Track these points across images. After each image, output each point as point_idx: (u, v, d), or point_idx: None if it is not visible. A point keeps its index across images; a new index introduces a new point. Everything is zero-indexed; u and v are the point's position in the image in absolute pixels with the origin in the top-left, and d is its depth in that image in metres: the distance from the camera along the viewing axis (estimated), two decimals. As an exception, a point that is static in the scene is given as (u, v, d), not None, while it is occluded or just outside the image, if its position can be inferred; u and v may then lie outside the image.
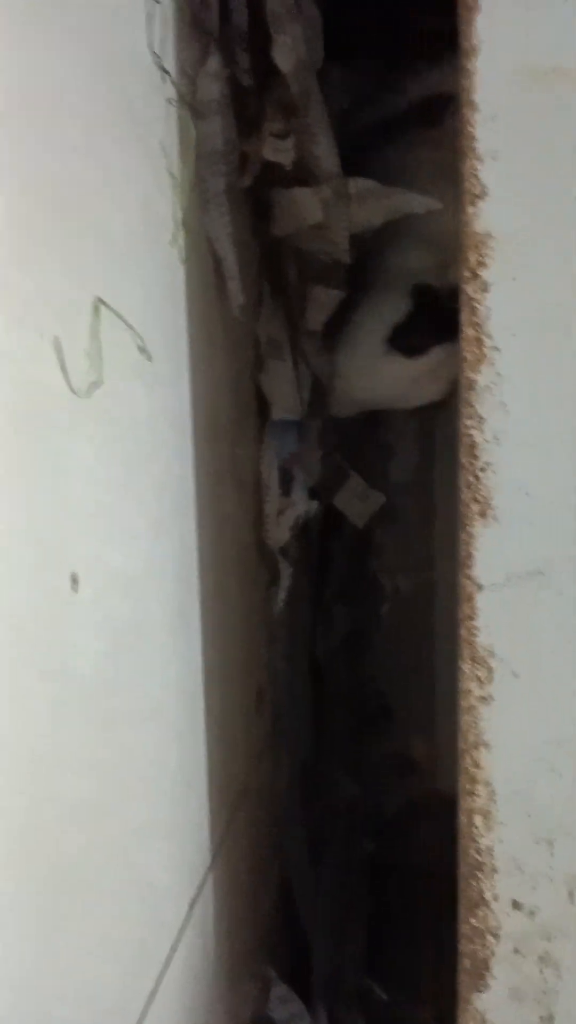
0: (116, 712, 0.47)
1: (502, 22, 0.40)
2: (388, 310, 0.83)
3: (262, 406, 0.81)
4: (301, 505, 0.80)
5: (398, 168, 0.80)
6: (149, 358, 0.47)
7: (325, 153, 0.74)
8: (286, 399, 0.83)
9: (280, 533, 0.79)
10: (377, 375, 0.85)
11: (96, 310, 0.41)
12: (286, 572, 0.78)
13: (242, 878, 0.78)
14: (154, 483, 0.53)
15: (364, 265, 0.84)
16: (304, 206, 0.74)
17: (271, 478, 0.80)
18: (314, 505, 0.83)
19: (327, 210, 0.75)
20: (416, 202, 0.75)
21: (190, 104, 0.57)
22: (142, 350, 0.47)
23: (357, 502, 1.02)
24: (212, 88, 0.62)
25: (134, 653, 0.49)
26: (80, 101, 0.42)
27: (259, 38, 0.69)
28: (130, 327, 0.44)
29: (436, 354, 0.82)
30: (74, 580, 0.39)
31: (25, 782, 0.36)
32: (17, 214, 0.36)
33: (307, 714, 1.09)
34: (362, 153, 0.81)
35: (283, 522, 0.79)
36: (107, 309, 0.42)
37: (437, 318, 0.81)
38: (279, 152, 0.71)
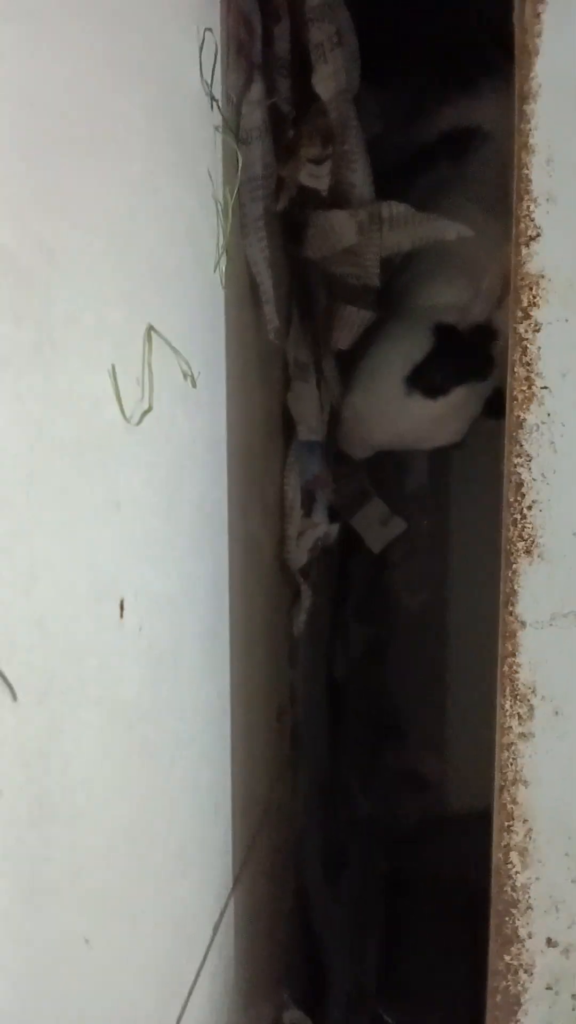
0: (154, 737, 0.47)
1: (563, 66, 0.40)
2: (409, 347, 0.83)
3: (287, 427, 0.81)
4: (322, 527, 0.81)
5: (428, 199, 0.80)
6: (193, 384, 0.48)
7: (360, 180, 0.75)
8: (311, 420, 0.83)
9: (300, 554, 0.79)
10: (397, 415, 0.85)
11: (148, 337, 0.42)
12: (306, 594, 0.78)
13: (261, 899, 0.78)
14: (193, 507, 0.53)
15: (387, 297, 0.84)
16: (340, 228, 0.74)
17: (294, 499, 0.80)
18: (335, 528, 0.83)
19: (362, 233, 0.75)
20: (448, 229, 0.76)
21: (234, 131, 0.57)
22: (187, 375, 0.47)
23: (377, 526, 1.02)
24: (255, 115, 0.62)
25: (171, 678, 0.49)
26: (141, 136, 0.43)
27: (299, 66, 0.70)
28: (177, 353, 0.45)
29: (458, 395, 0.82)
30: (121, 607, 0.39)
31: (77, 811, 0.36)
32: (82, 250, 0.36)
33: (325, 732, 1.09)
34: (393, 180, 0.82)
35: (303, 543, 0.80)
36: (157, 336, 0.42)
37: (458, 358, 0.81)
38: (315, 178, 0.72)
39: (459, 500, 1.39)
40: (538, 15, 0.40)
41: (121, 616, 0.39)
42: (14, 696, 0.31)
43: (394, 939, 1.25)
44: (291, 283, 0.82)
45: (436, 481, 1.36)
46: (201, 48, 0.49)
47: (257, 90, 0.62)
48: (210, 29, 0.49)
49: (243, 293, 0.64)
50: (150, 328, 0.41)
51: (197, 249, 0.52)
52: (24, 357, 0.32)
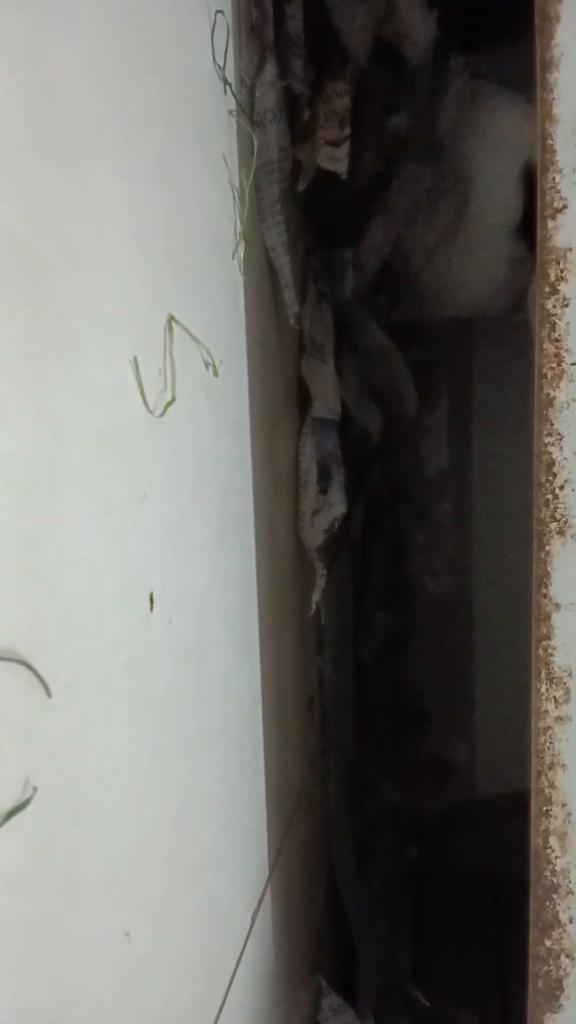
0: (185, 729, 0.46)
1: (586, 32, 0.39)
2: (504, 203, 0.84)
3: (303, 401, 0.80)
4: (338, 507, 0.79)
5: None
6: (215, 372, 0.47)
7: None
8: (328, 399, 0.82)
9: (315, 534, 0.78)
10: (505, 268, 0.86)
11: (169, 328, 0.41)
12: (321, 574, 0.77)
13: (296, 888, 0.78)
14: (217, 496, 0.52)
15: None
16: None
17: (310, 470, 0.79)
18: (344, 508, 0.81)
19: None
20: None
21: (248, 114, 0.57)
22: (208, 364, 0.47)
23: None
24: (269, 97, 0.61)
25: (201, 670, 0.49)
26: (156, 122, 0.42)
27: (313, 45, 0.68)
28: (198, 342, 0.44)
29: None
30: (151, 600, 0.39)
31: (111, 806, 0.36)
32: (100, 239, 0.36)
33: (352, 721, 1.08)
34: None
35: (318, 522, 0.78)
36: (179, 326, 0.42)
37: None
38: (334, 160, 0.70)
39: (481, 482, 1.37)
40: (560, -21, 0.39)
41: (151, 609, 0.39)
42: (48, 693, 0.31)
43: (422, 926, 1.25)
44: (307, 262, 0.81)
45: (457, 464, 1.35)
46: (213, 31, 0.48)
47: (270, 71, 0.61)
48: (221, 11, 0.48)
49: (262, 278, 0.63)
50: (171, 318, 0.41)
51: (215, 235, 0.51)
52: (44, 350, 0.32)
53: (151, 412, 0.38)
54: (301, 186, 0.71)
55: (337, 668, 0.94)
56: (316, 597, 0.76)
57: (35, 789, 0.30)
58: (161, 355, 0.40)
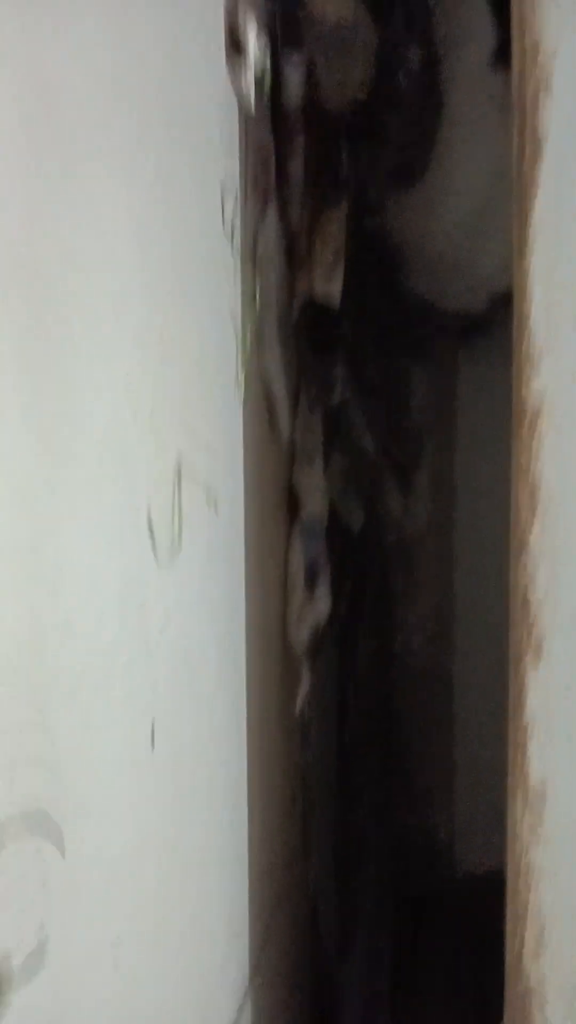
0: (177, 856, 0.48)
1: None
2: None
3: (292, 507, 0.84)
4: (323, 604, 0.83)
5: None
6: (216, 511, 0.51)
7: None
8: (315, 503, 0.87)
9: (301, 633, 0.81)
10: None
11: (178, 474, 0.45)
12: (306, 676, 0.80)
13: (278, 990, 0.78)
14: (219, 623, 0.55)
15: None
16: None
17: (297, 575, 0.83)
18: (329, 606, 0.84)
19: None
20: None
21: (251, 259, 0.62)
22: (210, 502, 0.51)
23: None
24: (270, 238, 0.67)
25: (196, 797, 0.51)
26: (171, 286, 0.47)
27: (311, 184, 0.75)
28: (207, 490, 0.48)
29: None
30: (152, 736, 0.42)
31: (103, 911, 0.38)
32: (127, 397, 0.40)
33: (336, 802, 1.10)
34: None
35: (304, 622, 0.82)
36: (188, 472, 0.46)
37: None
38: (328, 283, 0.76)
39: (464, 537, 1.40)
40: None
41: (153, 748, 0.42)
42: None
43: (406, 1007, 1.25)
44: (299, 369, 0.86)
45: (438, 528, 1.38)
46: (223, 197, 0.54)
47: (272, 217, 0.66)
48: (229, 178, 0.54)
49: (260, 406, 0.67)
50: (179, 462, 0.45)
51: (219, 376, 0.56)
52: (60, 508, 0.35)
53: (158, 565, 0.42)
54: (295, 314, 0.76)
55: (321, 757, 0.96)
56: (301, 699, 0.79)
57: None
58: (170, 503, 0.44)
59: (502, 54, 0.87)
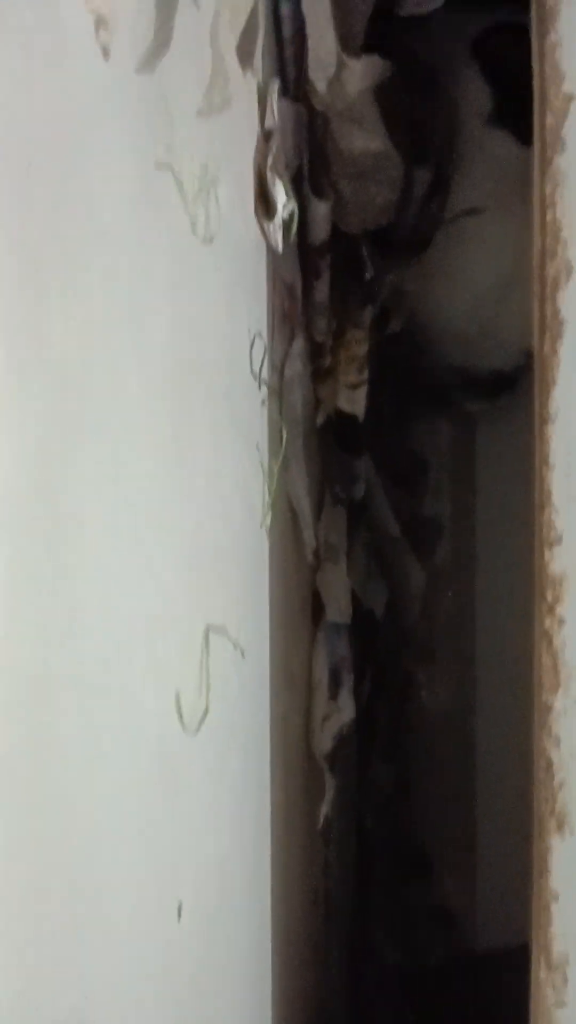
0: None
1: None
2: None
3: (316, 607, 0.85)
4: (347, 712, 0.83)
5: None
6: (243, 654, 0.52)
7: None
8: (340, 601, 0.87)
9: (325, 740, 0.81)
10: None
11: (206, 640, 0.46)
12: (330, 783, 0.80)
13: None
14: (242, 750, 0.56)
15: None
16: None
17: (321, 680, 0.83)
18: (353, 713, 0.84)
19: None
20: None
21: (278, 391, 0.63)
22: (236, 646, 0.51)
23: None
24: (296, 364, 0.68)
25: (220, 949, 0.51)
26: (209, 426, 0.48)
27: (337, 302, 0.76)
28: (237, 647, 0.49)
29: None
30: (180, 909, 0.42)
31: None
32: (157, 552, 0.41)
33: (354, 889, 1.09)
34: None
35: (328, 728, 0.82)
36: (215, 630, 0.47)
37: None
38: (352, 403, 0.77)
39: (486, 618, 1.40)
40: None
41: (180, 918, 0.42)
42: None
43: None
44: (323, 469, 0.87)
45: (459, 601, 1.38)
46: (252, 346, 0.55)
47: (299, 344, 0.68)
48: (260, 334, 0.56)
49: (284, 523, 0.68)
50: (207, 632, 0.46)
51: (247, 513, 0.57)
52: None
53: (185, 731, 0.43)
54: (320, 419, 0.78)
55: (341, 857, 0.96)
56: (326, 809, 0.79)
57: None
58: (198, 667, 0.45)
59: (498, 113, 0.89)
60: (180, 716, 0.42)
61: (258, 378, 0.57)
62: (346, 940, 1.03)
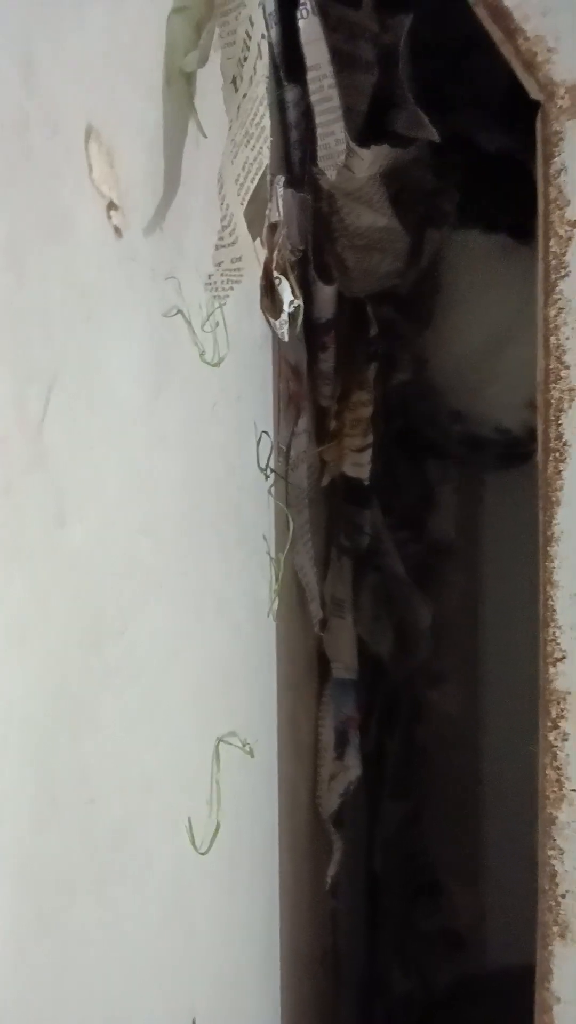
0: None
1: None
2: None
3: (323, 665, 0.86)
4: (354, 771, 0.84)
5: None
6: (252, 754, 0.53)
7: None
8: (346, 658, 0.88)
9: (331, 800, 0.82)
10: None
11: (217, 752, 0.47)
12: (337, 844, 0.81)
13: None
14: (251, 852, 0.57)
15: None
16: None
17: (328, 740, 0.84)
18: (360, 771, 0.85)
19: None
20: None
21: (284, 475, 0.64)
22: (245, 745, 0.52)
23: None
24: (301, 441, 0.69)
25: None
26: (215, 517, 0.49)
27: (342, 368, 0.77)
28: (243, 744, 0.50)
29: None
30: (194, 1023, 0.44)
31: None
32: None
33: (364, 929, 1.11)
34: None
35: (334, 788, 0.82)
36: (225, 742, 0.48)
37: None
38: (358, 467, 0.78)
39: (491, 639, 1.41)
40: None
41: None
42: None
43: None
44: (328, 524, 0.88)
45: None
46: (259, 442, 0.56)
47: (304, 422, 0.68)
48: (266, 432, 0.56)
49: (289, 596, 0.69)
50: (219, 743, 0.47)
51: (254, 602, 0.58)
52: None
53: (197, 849, 0.44)
54: (324, 482, 0.78)
55: (350, 908, 0.97)
56: (332, 870, 0.80)
57: None
58: (206, 790, 0.46)
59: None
60: (192, 841, 0.43)
61: (265, 470, 0.57)
62: (357, 987, 1.05)
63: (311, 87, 0.60)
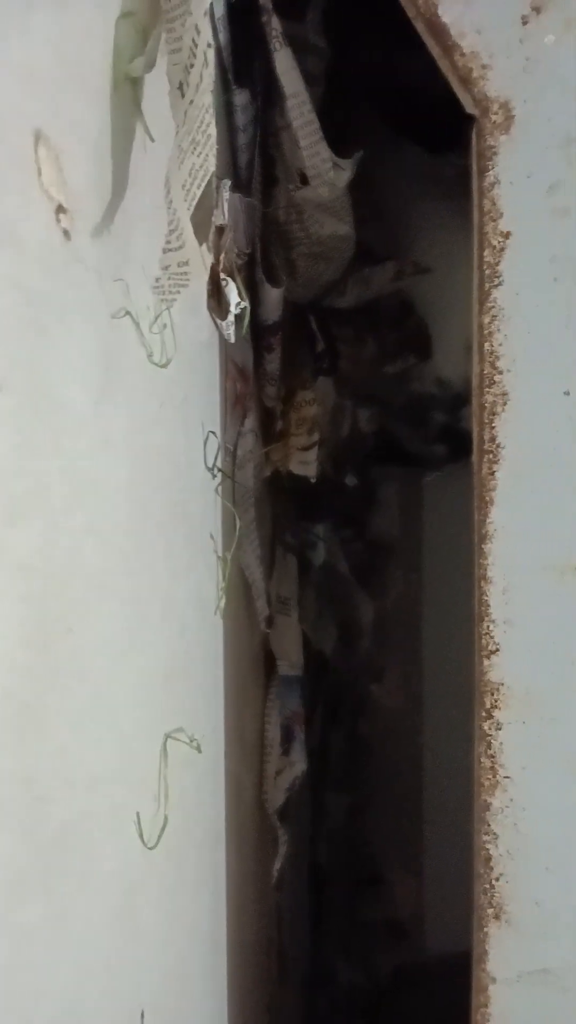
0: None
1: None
2: None
3: (269, 662, 0.87)
4: (299, 766, 0.85)
5: None
6: (199, 749, 0.54)
7: None
8: (292, 655, 0.89)
9: (277, 795, 0.83)
10: None
11: (164, 748, 0.47)
12: (283, 839, 0.83)
13: None
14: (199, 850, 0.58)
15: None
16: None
17: (274, 737, 0.86)
18: (305, 766, 0.86)
19: None
20: None
21: (231, 473, 0.65)
22: (192, 741, 0.53)
23: None
24: (248, 440, 0.70)
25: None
26: (161, 517, 0.50)
27: (287, 367, 0.78)
28: (191, 739, 0.51)
29: None
30: (142, 1016, 0.44)
31: None
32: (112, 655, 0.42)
33: (308, 923, 1.12)
34: None
35: (280, 783, 0.84)
36: (172, 736, 0.48)
37: None
38: (305, 464, 0.79)
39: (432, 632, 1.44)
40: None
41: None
42: None
43: None
44: (273, 521, 0.89)
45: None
46: (205, 443, 0.56)
47: (250, 422, 0.69)
48: (213, 431, 0.57)
49: (238, 602, 0.70)
50: (167, 737, 0.47)
51: (201, 602, 0.58)
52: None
53: (145, 844, 0.45)
54: (266, 473, 0.79)
55: (293, 900, 0.98)
56: (278, 865, 0.82)
57: None
58: (155, 787, 0.46)
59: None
60: (141, 836, 0.43)
61: (212, 470, 0.58)
62: (302, 978, 1.07)
63: (292, 114, 0.62)
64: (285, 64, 0.60)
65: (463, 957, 0.73)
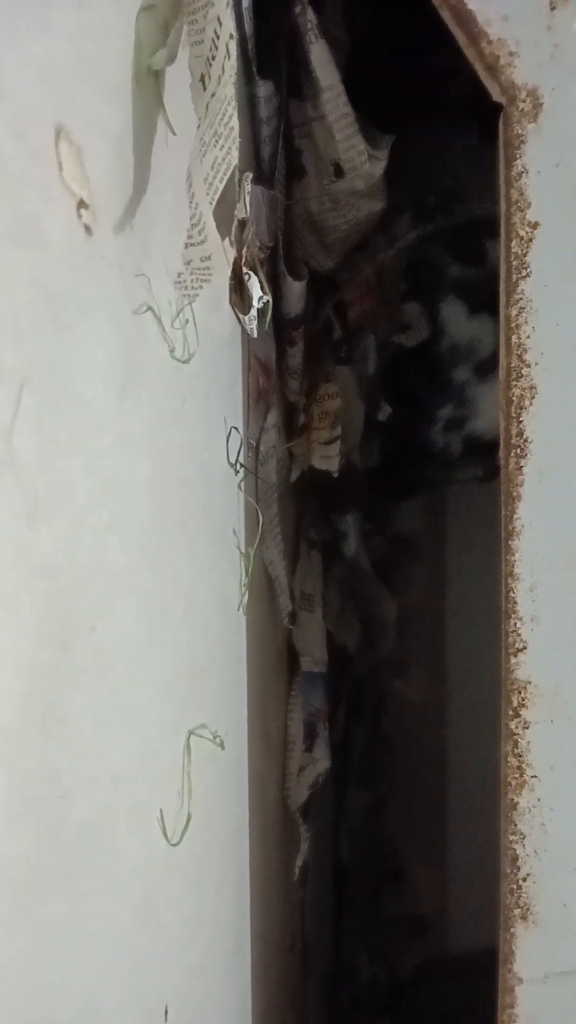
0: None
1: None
2: None
3: (292, 658, 0.87)
4: (323, 763, 0.85)
5: None
6: (222, 745, 0.53)
7: None
8: (315, 651, 0.89)
9: (300, 792, 0.83)
10: None
11: (188, 744, 0.47)
12: (304, 836, 0.82)
13: None
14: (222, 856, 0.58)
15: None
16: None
17: (297, 734, 0.85)
18: (328, 763, 0.86)
19: None
20: None
21: (254, 471, 0.64)
22: (215, 737, 0.53)
23: None
24: (271, 436, 0.69)
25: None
26: (183, 513, 0.50)
27: (310, 360, 0.77)
28: (214, 736, 0.50)
29: None
30: (166, 1012, 0.44)
31: None
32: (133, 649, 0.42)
33: (331, 921, 1.12)
34: None
35: (303, 780, 0.84)
36: (196, 734, 0.48)
37: None
38: (327, 459, 0.78)
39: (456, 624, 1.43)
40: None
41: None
42: None
43: None
44: (296, 517, 0.89)
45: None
46: (228, 437, 0.56)
47: (273, 416, 0.69)
48: (236, 427, 0.57)
49: (261, 598, 0.70)
50: (191, 734, 0.47)
51: (224, 597, 0.58)
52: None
53: (169, 840, 0.44)
54: (293, 476, 0.79)
55: (317, 896, 0.98)
56: (300, 861, 0.81)
57: None
58: (177, 786, 0.46)
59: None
60: (164, 832, 0.43)
61: (235, 465, 0.58)
62: (325, 974, 1.07)
63: (327, 106, 0.62)
64: (321, 56, 0.60)
65: (486, 953, 0.73)
